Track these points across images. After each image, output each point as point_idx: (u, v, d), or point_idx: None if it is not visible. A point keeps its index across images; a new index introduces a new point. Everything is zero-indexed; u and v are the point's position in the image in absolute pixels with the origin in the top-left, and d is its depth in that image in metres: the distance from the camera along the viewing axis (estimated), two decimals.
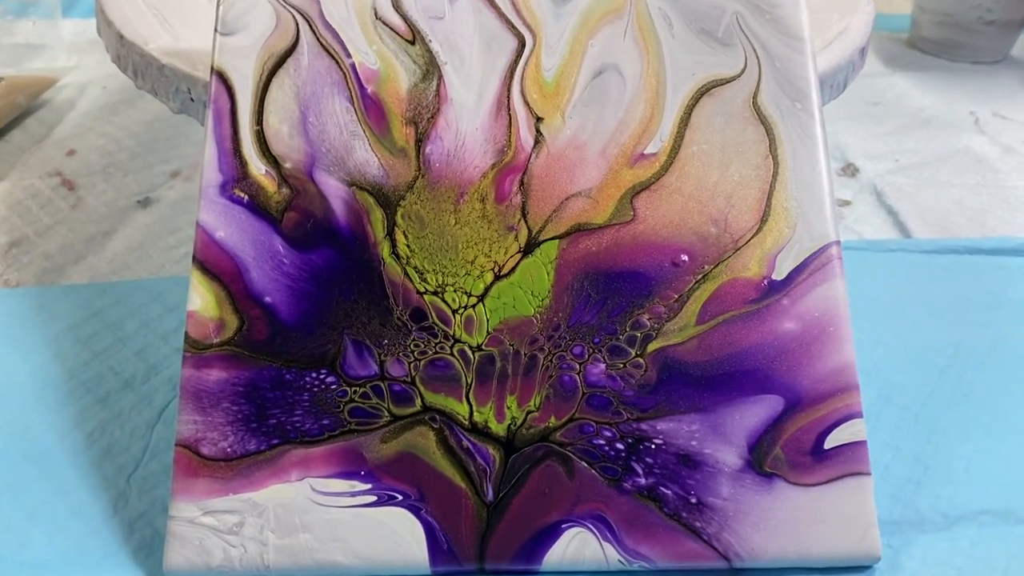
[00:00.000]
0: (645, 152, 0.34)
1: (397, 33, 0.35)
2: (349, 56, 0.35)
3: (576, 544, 0.30)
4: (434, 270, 0.32)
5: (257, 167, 0.33)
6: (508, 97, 0.34)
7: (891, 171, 0.55)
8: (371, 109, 0.34)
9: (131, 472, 0.34)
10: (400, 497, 0.30)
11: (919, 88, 0.67)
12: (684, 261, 0.33)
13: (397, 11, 0.35)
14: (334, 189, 0.33)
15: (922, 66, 0.72)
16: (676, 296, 0.32)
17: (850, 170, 0.56)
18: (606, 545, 0.30)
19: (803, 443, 0.31)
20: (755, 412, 0.31)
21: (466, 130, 0.34)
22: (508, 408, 0.31)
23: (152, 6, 0.45)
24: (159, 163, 0.53)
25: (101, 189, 0.51)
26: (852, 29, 0.45)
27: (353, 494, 0.30)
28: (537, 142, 0.34)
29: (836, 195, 0.50)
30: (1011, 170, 0.56)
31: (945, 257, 0.45)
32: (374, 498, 0.30)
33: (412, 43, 0.35)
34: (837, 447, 0.31)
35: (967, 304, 0.43)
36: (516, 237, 0.33)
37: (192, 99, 0.39)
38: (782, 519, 0.30)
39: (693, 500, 0.30)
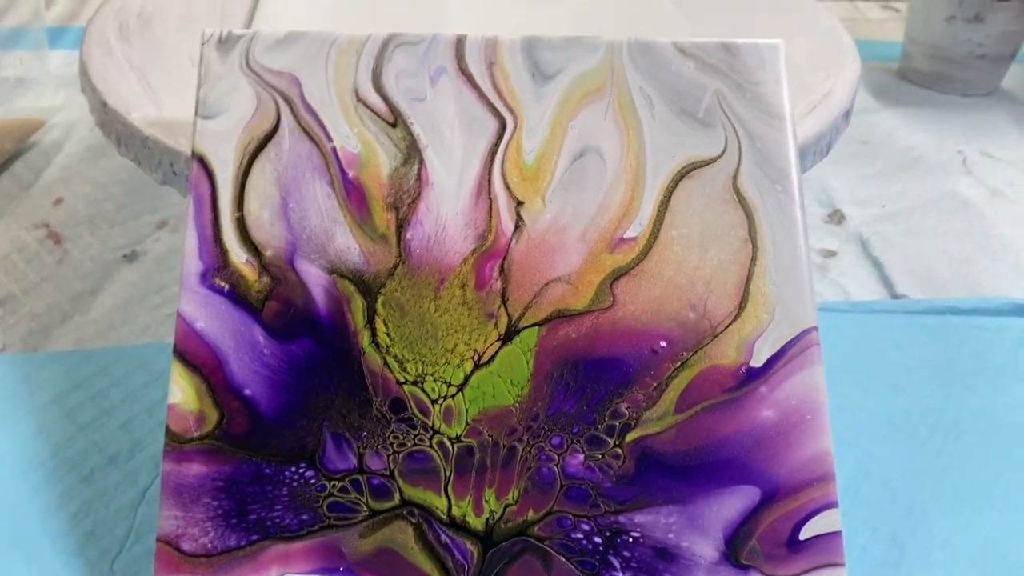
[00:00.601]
0: (625, 236, 0.34)
1: (378, 115, 0.35)
2: (330, 140, 0.35)
3: None
4: (414, 359, 0.32)
5: (238, 255, 0.33)
6: (489, 181, 0.34)
7: (877, 218, 0.55)
8: (352, 194, 0.34)
9: (115, 556, 0.34)
10: None
11: (908, 125, 0.67)
12: (663, 348, 0.33)
13: (378, 92, 0.35)
14: (315, 277, 0.33)
15: (912, 100, 0.72)
16: (655, 384, 0.32)
17: (836, 217, 0.56)
18: None
19: (779, 534, 0.31)
20: (732, 503, 0.31)
21: (447, 215, 0.34)
22: (486, 501, 0.31)
23: (136, 68, 0.44)
24: (145, 212, 0.53)
25: (87, 242, 0.51)
26: (837, 90, 0.45)
27: None
28: (517, 227, 0.34)
29: (821, 245, 0.50)
30: (997, 215, 0.56)
31: (929, 318, 0.45)
32: None
33: (393, 126, 0.35)
34: (812, 538, 0.31)
35: (949, 368, 0.43)
36: (496, 324, 0.33)
37: (175, 172, 0.39)
38: None
39: None
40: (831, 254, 0.51)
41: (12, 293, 0.47)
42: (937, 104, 0.71)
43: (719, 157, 0.35)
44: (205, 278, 0.33)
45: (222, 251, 0.33)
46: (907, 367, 0.43)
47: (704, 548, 0.31)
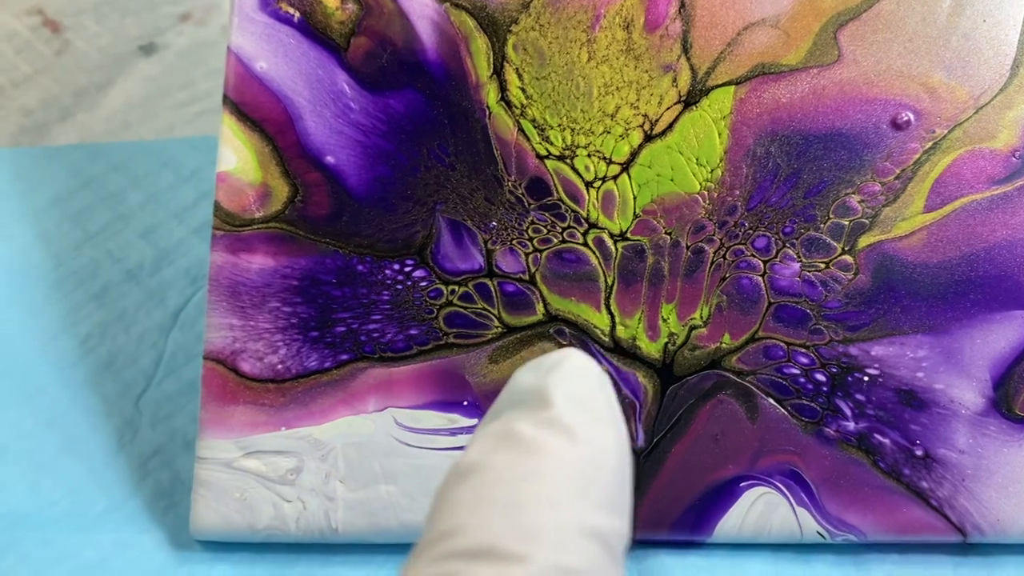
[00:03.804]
0: None
1: None
2: None
3: (760, 509, 0.22)
4: (560, 125, 0.23)
5: None
6: None
7: None
8: None
9: (140, 393, 0.26)
10: None
11: None
12: (908, 121, 0.24)
13: None
14: (419, 6, 0.24)
15: None
16: (898, 171, 0.24)
17: None
18: (801, 511, 0.22)
19: None
20: (1002, 334, 0.24)
21: None
22: (664, 321, 0.23)
23: None
24: (165, 3, 0.43)
25: (93, 32, 0.41)
26: None
27: (453, 432, 0.23)
28: None
29: None
30: None
31: None
32: None
33: None
34: None
35: None
36: (675, 81, 0.24)
37: None
38: None
39: (919, 452, 0.23)
40: None
41: None
42: None
43: None
44: (267, 2, 0.24)
45: None
46: None
47: (965, 392, 0.23)
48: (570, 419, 0.13)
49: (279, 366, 0.22)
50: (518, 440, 0.13)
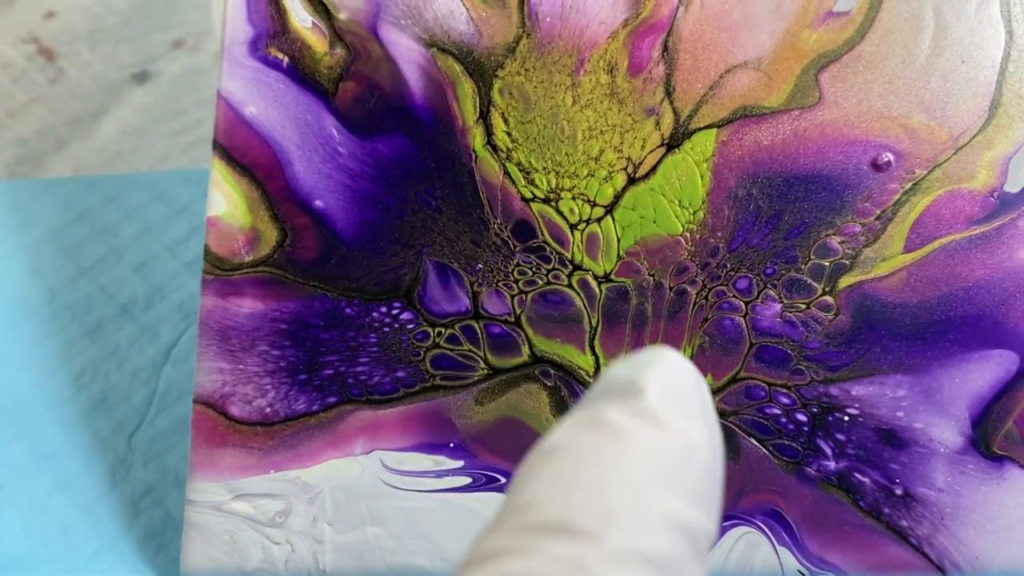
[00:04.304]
0: (835, 10, 0.25)
1: None
2: None
3: (743, 548, 0.23)
4: (545, 168, 0.24)
5: (300, 18, 0.24)
6: None
7: None
8: None
9: (133, 430, 0.26)
10: (502, 479, 0.23)
11: None
12: (888, 162, 0.24)
13: None
14: (406, 51, 0.24)
15: None
16: (877, 211, 0.24)
17: None
18: (782, 550, 0.23)
19: None
20: (981, 374, 0.24)
21: None
22: None
23: None
24: (158, 30, 0.43)
25: (87, 60, 0.41)
26: None
27: (439, 474, 0.23)
28: None
29: None
30: None
31: None
32: (468, 480, 0.23)
33: None
34: None
35: None
36: (658, 124, 0.24)
37: None
38: (1016, 518, 0.23)
39: (898, 491, 0.23)
40: None
41: None
42: None
43: None
44: (256, 47, 0.24)
45: (279, 11, 0.24)
46: None
47: (944, 432, 0.23)
48: (662, 411, 0.13)
49: (267, 409, 0.22)
50: (606, 426, 0.12)
